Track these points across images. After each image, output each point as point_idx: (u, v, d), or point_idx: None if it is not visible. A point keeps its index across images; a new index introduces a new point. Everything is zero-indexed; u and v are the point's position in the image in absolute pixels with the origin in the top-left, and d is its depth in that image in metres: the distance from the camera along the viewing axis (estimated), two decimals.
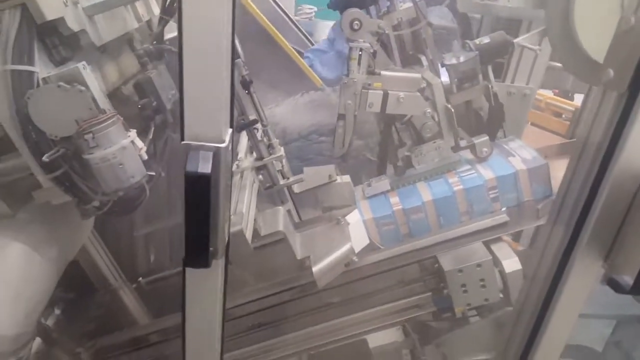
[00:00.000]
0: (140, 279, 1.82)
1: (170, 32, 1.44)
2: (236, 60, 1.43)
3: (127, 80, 1.31)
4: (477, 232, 1.46)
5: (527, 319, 1.25)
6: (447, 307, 1.55)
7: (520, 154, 1.56)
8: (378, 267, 1.50)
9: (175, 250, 1.98)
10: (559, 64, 1.77)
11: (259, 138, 1.50)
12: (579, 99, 2.96)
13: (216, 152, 0.71)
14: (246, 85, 1.41)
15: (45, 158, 0.95)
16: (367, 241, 1.49)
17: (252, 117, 1.43)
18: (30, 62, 0.95)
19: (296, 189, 1.54)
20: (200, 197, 0.69)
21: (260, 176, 1.52)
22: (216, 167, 0.70)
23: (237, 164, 1.55)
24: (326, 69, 2.43)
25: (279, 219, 1.43)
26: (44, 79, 0.96)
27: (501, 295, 1.47)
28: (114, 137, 0.98)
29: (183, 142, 0.72)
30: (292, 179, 1.51)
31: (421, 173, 1.58)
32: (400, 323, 1.66)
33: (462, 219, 1.52)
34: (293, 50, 2.39)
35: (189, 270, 0.82)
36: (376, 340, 2.03)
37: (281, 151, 1.50)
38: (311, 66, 2.45)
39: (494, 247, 1.43)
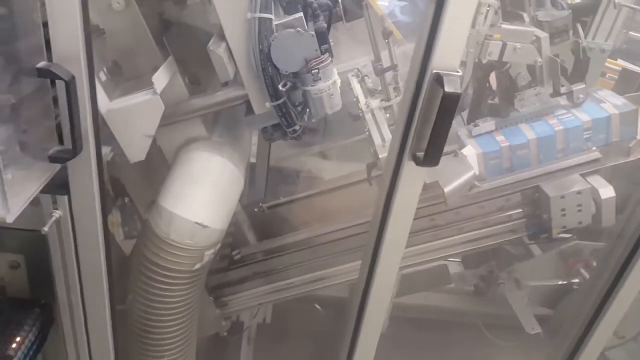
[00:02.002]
0: (261, 204, 2.20)
1: None
2: (381, 14, 1.76)
3: None
4: (574, 166, 1.83)
5: (623, 245, 1.63)
6: (538, 231, 1.94)
7: (610, 101, 1.91)
8: (486, 194, 1.87)
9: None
10: None
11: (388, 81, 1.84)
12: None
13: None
14: (387, 35, 1.74)
15: (280, 87, 1.30)
16: (477, 172, 1.86)
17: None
18: (270, 11, 1.27)
19: None
20: (452, 110, 1.05)
21: (387, 115, 1.87)
22: None
23: (366, 104, 1.90)
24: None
25: None
26: (276, 25, 1.29)
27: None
28: (330, 73, 1.32)
29: (434, 71, 1.07)
30: None
31: (522, 116, 1.93)
32: (494, 246, 2.05)
33: (557, 155, 1.88)
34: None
35: (409, 167, 1.19)
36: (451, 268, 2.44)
37: None
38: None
39: (589, 179, 1.81)
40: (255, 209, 2.19)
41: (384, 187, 1.33)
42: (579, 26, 2.05)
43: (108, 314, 1.40)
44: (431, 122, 1.12)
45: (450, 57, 1.06)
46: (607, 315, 1.81)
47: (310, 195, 2.22)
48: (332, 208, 2.23)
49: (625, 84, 2.77)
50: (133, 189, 1.68)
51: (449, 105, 1.04)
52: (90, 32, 1.06)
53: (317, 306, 2.40)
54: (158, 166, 1.64)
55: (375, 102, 1.89)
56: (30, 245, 1.48)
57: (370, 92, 2.00)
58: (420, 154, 1.16)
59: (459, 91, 1.03)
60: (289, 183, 2.70)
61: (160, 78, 1.32)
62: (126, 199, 1.69)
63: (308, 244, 2.04)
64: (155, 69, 1.39)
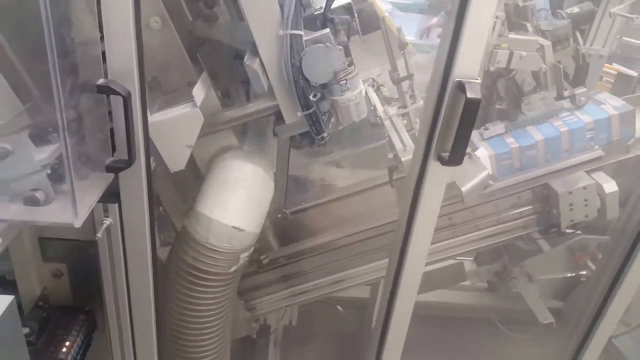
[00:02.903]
0: (285, 210, 2.27)
1: None
2: (398, 27, 1.85)
3: None
4: (579, 164, 1.92)
5: (625, 240, 1.72)
6: (549, 226, 2.02)
7: (609, 103, 2.00)
8: (499, 193, 1.96)
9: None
10: None
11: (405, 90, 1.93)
12: None
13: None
14: (403, 47, 1.83)
15: (311, 97, 1.38)
16: (491, 172, 1.94)
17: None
18: (300, 28, 1.36)
19: None
20: (475, 114, 1.13)
21: (405, 121, 1.96)
22: None
23: (384, 111, 1.98)
24: None
25: None
26: (305, 40, 1.38)
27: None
28: (356, 83, 1.41)
29: (456, 79, 1.15)
30: None
31: (529, 119, 2.02)
32: (508, 241, 2.13)
33: (563, 155, 1.97)
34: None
35: (434, 167, 1.26)
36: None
37: (421, 101, 1.92)
38: None
39: (593, 175, 1.90)
40: (279, 215, 2.26)
41: (409, 187, 1.40)
42: (578, 34, 2.16)
43: (153, 318, 1.46)
44: (454, 125, 1.20)
45: (471, 66, 1.15)
46: (613, 304, 1.89)
47: (330, 201, 2.30)
48: (350, 212, 2.31)
49: (622, 86, 2.89)
50: (167, 198, 1.75)
51: (471, 109, 1.12)
52: (143, 50, 1.14)
53: (339, 307, 2.46)
54: (189, 178, 1.72)
55: (392, 110, 1.98)
56: (73, 254, 1.55)
57: (386, 100, 2.09)
58: (445, 154, 1.24)
59: (480, 96, 1.11)
60: (305, 191, 2.78)
61: (199, 91, 1.40)
62: (161, 208, 1.76)
63: (330, 246, 2.11)
64: (190, 84, 1.47)
